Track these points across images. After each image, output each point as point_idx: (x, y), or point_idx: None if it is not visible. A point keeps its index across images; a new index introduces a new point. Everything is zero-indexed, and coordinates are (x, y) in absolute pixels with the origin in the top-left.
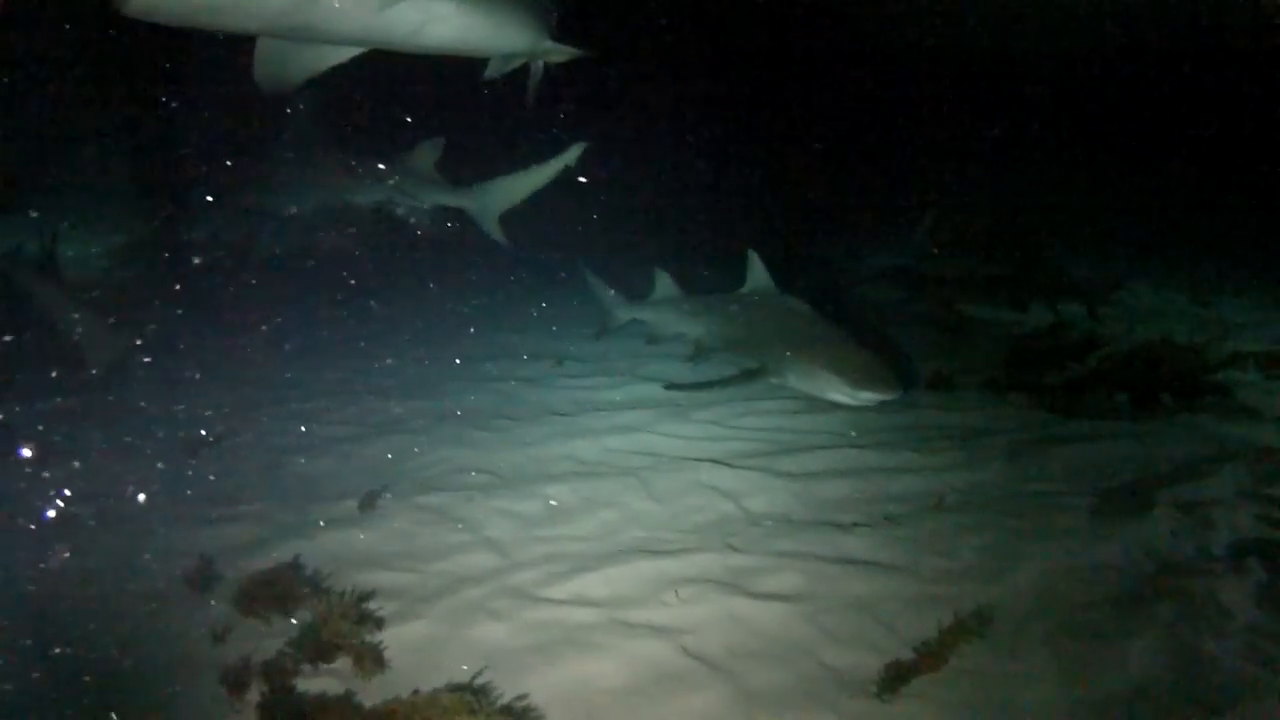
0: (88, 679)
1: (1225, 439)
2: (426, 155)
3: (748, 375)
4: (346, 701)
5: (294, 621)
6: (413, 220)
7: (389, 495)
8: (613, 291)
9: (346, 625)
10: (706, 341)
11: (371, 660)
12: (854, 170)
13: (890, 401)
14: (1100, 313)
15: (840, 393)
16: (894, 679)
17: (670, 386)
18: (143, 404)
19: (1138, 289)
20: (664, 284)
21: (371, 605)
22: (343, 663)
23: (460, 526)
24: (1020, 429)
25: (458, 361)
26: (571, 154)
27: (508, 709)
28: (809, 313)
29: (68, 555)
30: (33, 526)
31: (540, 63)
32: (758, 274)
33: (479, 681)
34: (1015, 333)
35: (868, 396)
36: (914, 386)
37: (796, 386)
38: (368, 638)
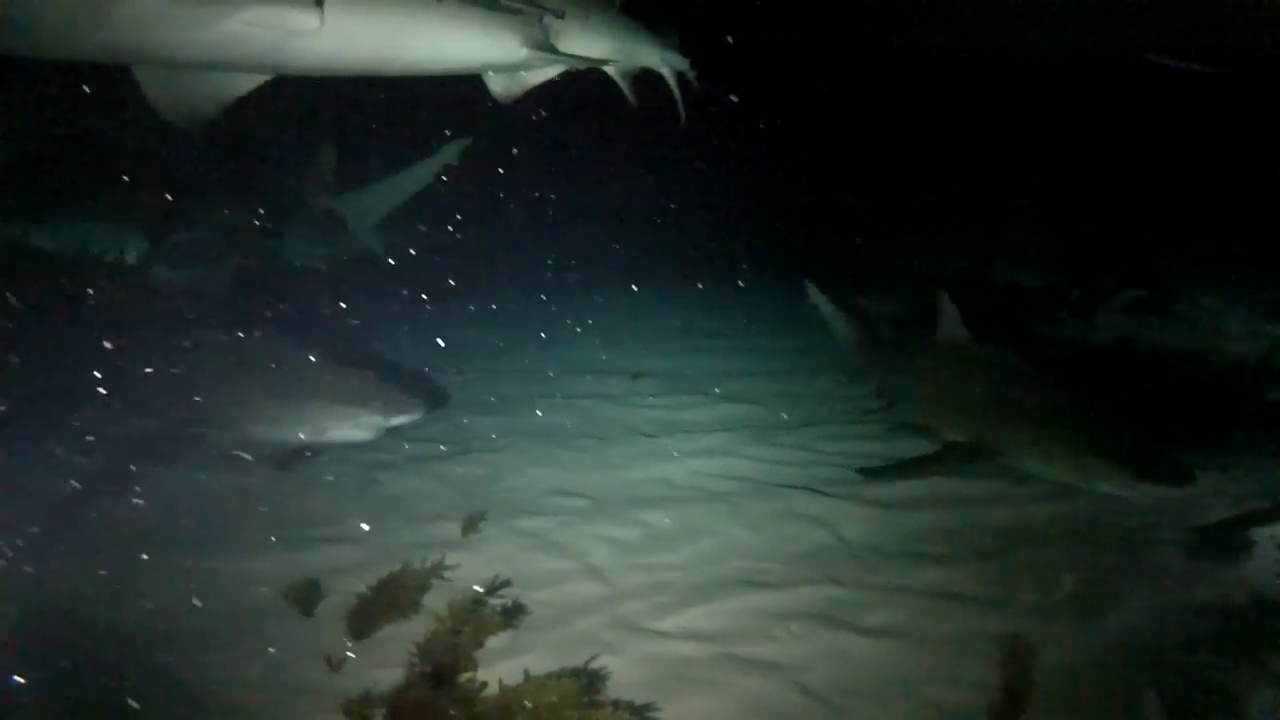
0: (204, 706)
1: None
2: (323, 164)
3: (959, 454)
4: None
5: (409, 650)
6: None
7: (487, 519)
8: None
9: (462, 658)
10: (913, 409)
11: None
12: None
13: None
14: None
15: (1116, 484)
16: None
17: (863, 471)
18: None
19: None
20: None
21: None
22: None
23: (562, 553)
24: None
25: (531, 375)
26: (450, 151)
27: (618, 703)
28: (1033, 373)
29: (165, 579)
30: (127, 546)
31: (671, 71)
32: (949, 321)
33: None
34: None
35: (1156, 491)
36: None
37: (1040, 471)
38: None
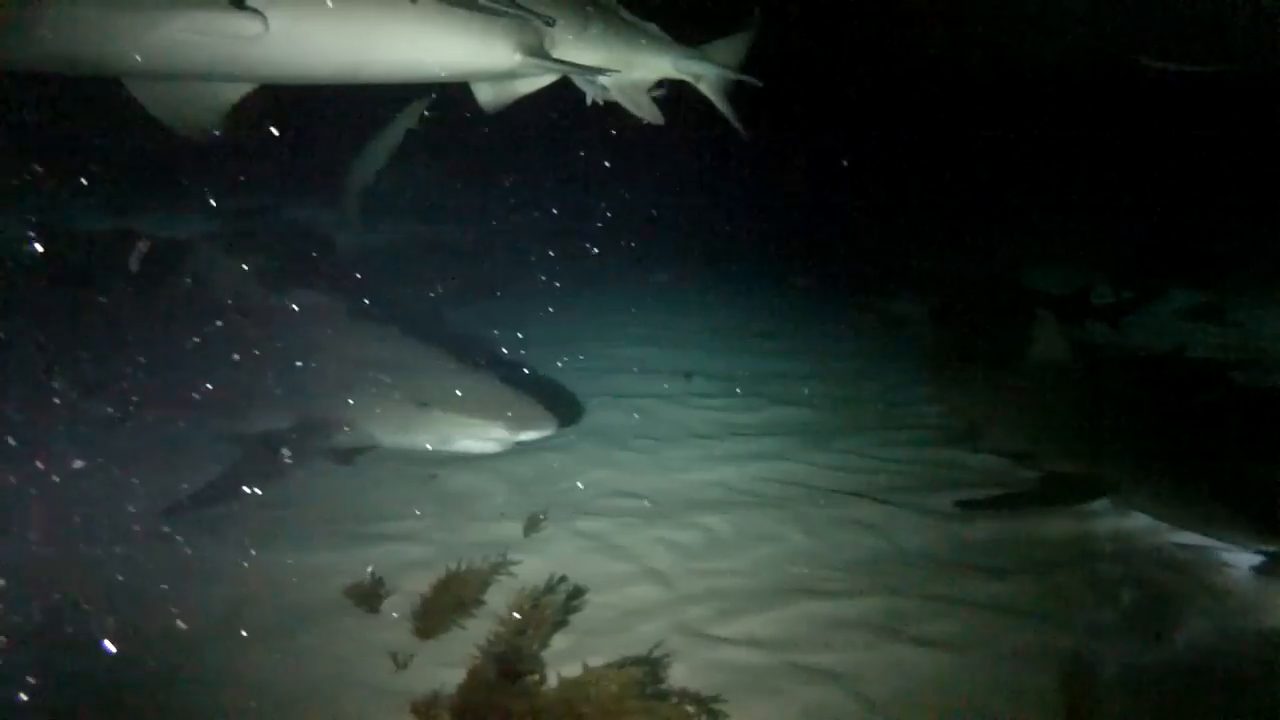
0: (270, 702)
1: None
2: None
3: (1067, 489)
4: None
5: (473, 649)
6: None
7: (548, 518)
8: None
9: (527, 660)
10: (1002, 432)
11: None
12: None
13: None
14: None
15: (1243, 539)
16: None
17: (963, 504)
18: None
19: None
20: None
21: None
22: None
23: (622, 555)
24: None
25: (586, 372)
26: (411, 113)
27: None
28: (1145, 400)
29: (230, 571)
30: (187, 545)
31: (717, 79)
32: (1050, 340)
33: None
34: None
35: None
36: None
37: (1156, 514)
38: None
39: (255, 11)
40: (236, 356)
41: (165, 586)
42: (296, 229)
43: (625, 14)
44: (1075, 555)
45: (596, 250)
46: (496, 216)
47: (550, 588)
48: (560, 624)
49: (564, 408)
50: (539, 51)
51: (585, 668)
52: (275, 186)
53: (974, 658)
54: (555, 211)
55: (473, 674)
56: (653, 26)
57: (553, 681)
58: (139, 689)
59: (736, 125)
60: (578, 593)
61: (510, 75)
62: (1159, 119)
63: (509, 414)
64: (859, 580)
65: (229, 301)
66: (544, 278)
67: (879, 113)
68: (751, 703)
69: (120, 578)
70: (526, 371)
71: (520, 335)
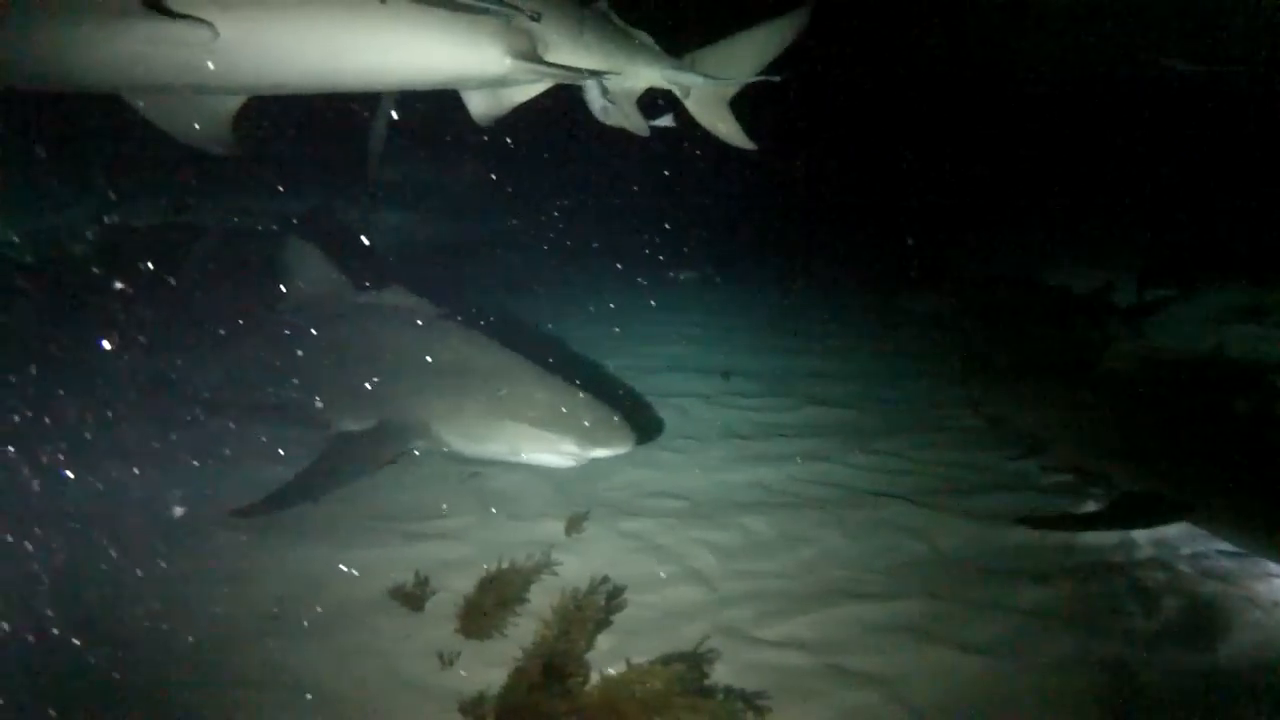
0: (318, 698)
1: None
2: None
3: (1138, 509)
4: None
5: (517, 650)
6: None
7: (590, 518)
8: None
9: (571, 661)
10: (1070, 447)
11: None
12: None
13: None
14: None
15: None
16: None
17: (1025, 522)
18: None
19: None
20: None
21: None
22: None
23: (664, 556)
24: None
25: (624, 371)
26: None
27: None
28: (1222, 415)
29: (276, 568)
30: (235, 541)
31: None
32: (1117, 350)
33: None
34: None
35: None
36: None
37: (1236, 543)
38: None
39: (204, 20)
40: (317, 355)
41: (212, 582)
42: (350, 229)
43: (616, 19)
44: (1116, 562)
45: (619, 248)
46: (514, 213)
47: (593, 589)
48: (603, 624)
49: (640, 420)
50: (531, 55)
51: (629, 666)
52: (323, 189)
53: (1014, 663)
54: (568, 207)
55: (517, 674)
56: (643, 34)
57: (596, 680)
58: (186, 685)
59: (738, 141)
60: (619, 593)
61: (501, 82)
62: (1184, 118)
63: (584, 429)
64: (899, 583)
65: (314, 297)
66: (573, 275)
67: (903, 111)
68: (793, 704)
69: (169, 572)
70: (589, 376)
71: (560, 334)
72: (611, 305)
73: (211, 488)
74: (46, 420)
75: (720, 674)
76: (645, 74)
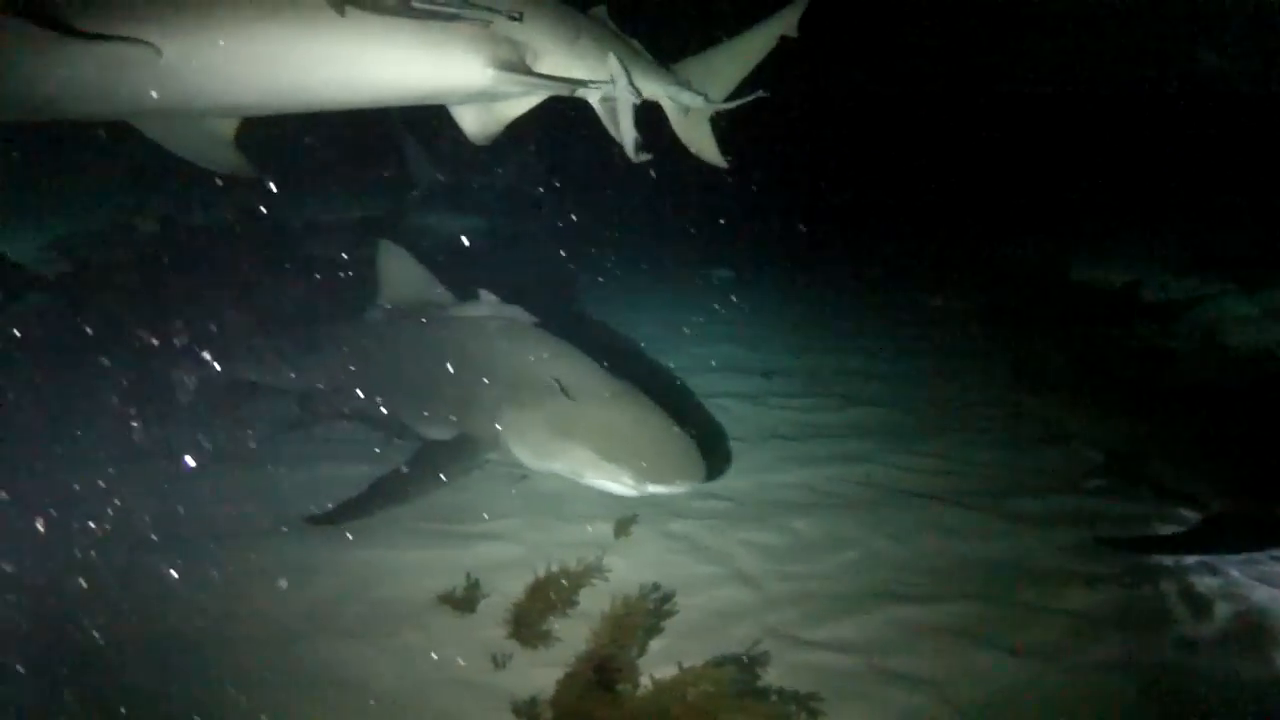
0: (372, 697)
1: None
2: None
3: (1235, 529)
4: None
5: (568, 652)
6: None
7: (638, 520)
8: None
9: (623, 666)
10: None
11: None
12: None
13: None
14: None
15: None
16: None
17: (1103, 542)
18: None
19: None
20: None
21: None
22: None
23: (710, 557)
24: None
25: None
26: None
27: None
28: None
29: (327, 566)
30: (289, 541)
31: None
32: (1192, 355)
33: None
34: None
35: None
36: None
37: None
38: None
39: (144, 41)
40: (402, 360)
41: (269, 581)
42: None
43: (613, 26)
44: (1165, 566)
45: (651, 245)
46: (540, 210)
47: (643, 594)
48: (652, 627)
49: (713, 450)
50: (516, 65)
51: (680, 668)
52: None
53: (1062, 668)
54: (593, 203)
55: (569, 679)
56: (635, 43)
57: (646, 683)
58: (240, 683)
59: (714, 159)
60: (668, 595)
61: (487, 95)
62: (1218, 116)
63: (645, 464)
64: (945, 586)
65: (405, 300)
66: (607, 274)
67: (933, 110)
68: (843, 707)
69: (229, 570)
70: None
71: (605, 336)
72: (652, 305)
73: (278, 489)
74: (123, 419)
75: (770, 676)
76: (648, 88)
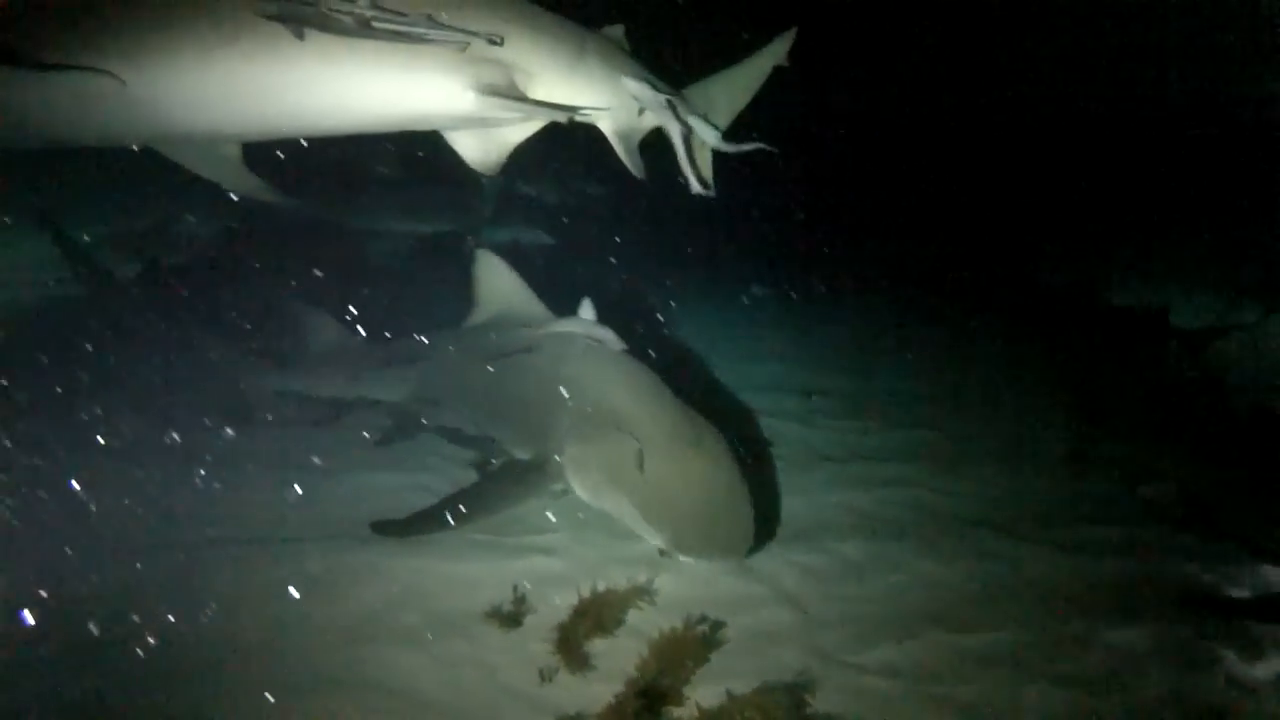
0: (419, 705)
1: None
2: None
3: None
4: None
5: (617, 670)
6: None
7: None
8: None
9: (671, 682)
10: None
11: None
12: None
13: None
14: None
15: None
16: None
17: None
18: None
19: None
20: None
21: None
22: None
23: (757, 577)
24: None
25: (714, 390)
26: None
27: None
28: None
29: (374, 576)
30: (341, 542)
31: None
32: None
33: None
34: None
35: None
36: None
37: None
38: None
39: (106, 71)
40: (490, 376)
41: (323, 587)
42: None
43: (626, 46)
44: (1212, 601)
45: (685, 261)
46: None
47: (690, 623)
48: (698, 652)
49: (766, 512)
50: (503, 90)
51: (728, 696)
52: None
53: (1109, 701)
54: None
55: (616, 705)
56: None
57: (693, 711)
58: (290, 686)
59: (703, 186)
60: (713, 616)
61: (477, 121)
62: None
63: (689, 527)
64: (991, 613)
65: (506, 315)
66: (651, 286)
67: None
68: None
69: (281, 574)
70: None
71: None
72: (693, 321)
73: (351, 494)
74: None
75: (818, 702)
76: (660, 116)
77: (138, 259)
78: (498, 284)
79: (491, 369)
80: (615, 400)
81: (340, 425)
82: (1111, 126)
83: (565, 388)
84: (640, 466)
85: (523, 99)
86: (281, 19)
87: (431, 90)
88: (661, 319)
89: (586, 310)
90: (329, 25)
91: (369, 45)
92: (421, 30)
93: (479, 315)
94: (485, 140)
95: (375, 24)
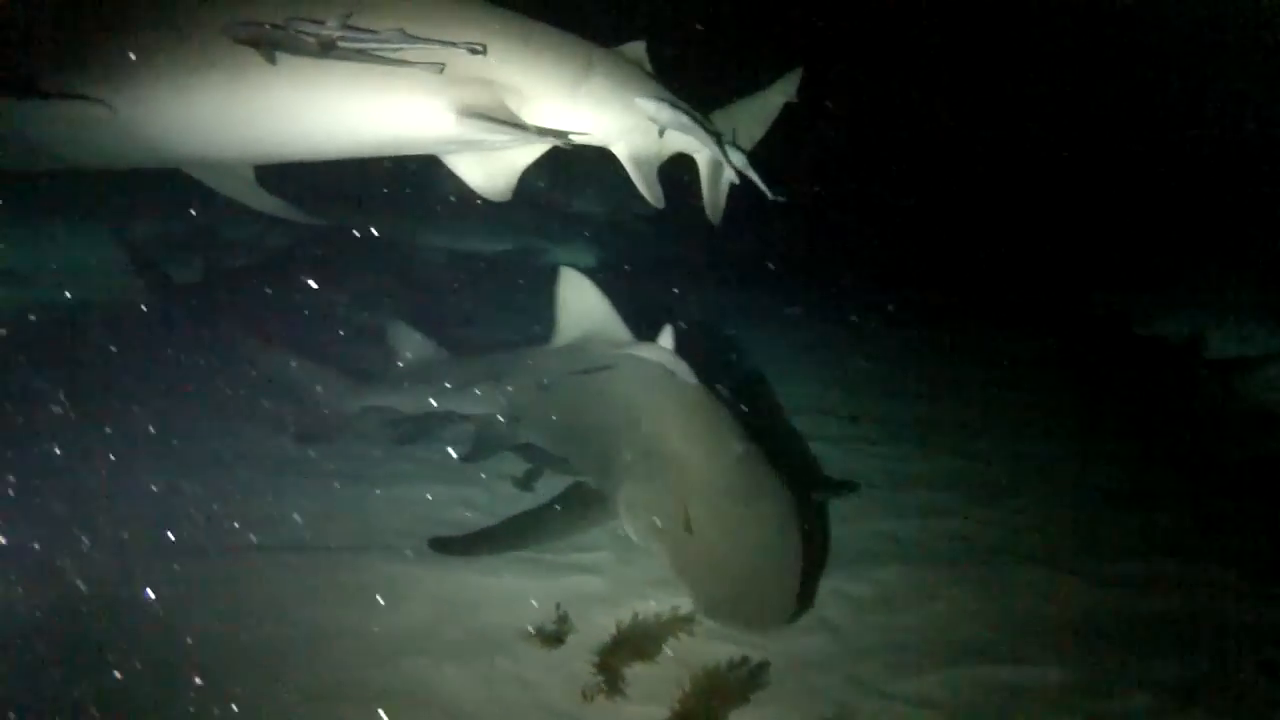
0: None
1: None
2: None
3: None
4: None
5: (657, 690)
6: None
7: None
8: None
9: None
10: None
11: None
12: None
13: None
14: None
15: None
16: None
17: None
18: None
19: None
20: None
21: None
22: None
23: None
24: None
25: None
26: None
27: None
28: None
29: (418, 588)
30: (387, 554)
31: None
32: None
33: None
34: None
35: None
36: None
37: None
38: None
39: (95, 99)
40: (561, 400)
41: (367, 600)
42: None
43: (647, 66)
44: (1254, 637)
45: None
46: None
47: (732, 666)
48: (740, 692)
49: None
50: (491, 112)
51: (755, 712)
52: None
53: None
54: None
55: None
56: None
57: None
58: (333, 697)
59: (716, 214)
60: (759, 667)
61: (475, 145)
62: None
63: (723, 591)
64: (1031, 646)
65: (587, 336)
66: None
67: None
68: None
69: (313, 582)
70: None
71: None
72: (737, 344)
73: (379, 505)
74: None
75: None
76: (676, 141)
77: (195, 263)
78: (582, 303)
79: (568, 393)
80: (678, 441)
81: (413, 439)
82: (1168, 149)
83: (632, 421)
84: (687, 519)
85: (509, 121)
86: (250, 43)
87: (409, 113)
88: (712, 340)
89: (666, 339)
90: (296, 48)
91: (342, 67)
92: (392, 47)
93: (562, 335)
94: (488, 164)
95: (341, 44)
